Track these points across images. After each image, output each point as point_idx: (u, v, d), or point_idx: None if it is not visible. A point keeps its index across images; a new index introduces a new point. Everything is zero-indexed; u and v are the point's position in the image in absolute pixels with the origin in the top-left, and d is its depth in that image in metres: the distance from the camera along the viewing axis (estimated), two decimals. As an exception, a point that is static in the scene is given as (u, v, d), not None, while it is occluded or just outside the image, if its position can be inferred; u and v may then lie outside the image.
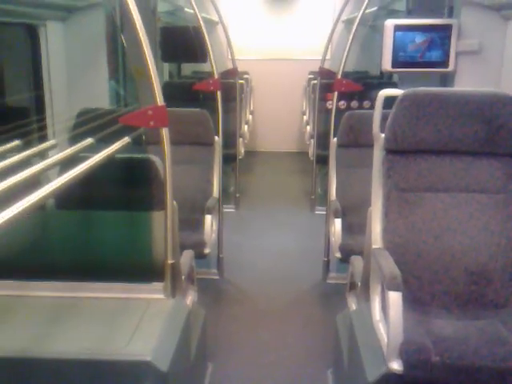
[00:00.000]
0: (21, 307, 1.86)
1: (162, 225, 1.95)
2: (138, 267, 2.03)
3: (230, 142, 4.88)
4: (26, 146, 2.02)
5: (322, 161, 4.64)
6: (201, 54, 4.59)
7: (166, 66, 5.82)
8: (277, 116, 7.84)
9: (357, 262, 2.30)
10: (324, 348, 2.76)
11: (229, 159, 4.90)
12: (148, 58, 1.86)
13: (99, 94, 3.28)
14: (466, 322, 1.77)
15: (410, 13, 4.21)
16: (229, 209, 4.95)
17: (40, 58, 3.07)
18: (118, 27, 3.52)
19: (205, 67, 5.72)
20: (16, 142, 1.95)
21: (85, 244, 2.05)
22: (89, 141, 1.92)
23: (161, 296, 1.98)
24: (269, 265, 3.93)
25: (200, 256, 2.91)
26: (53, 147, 2.04)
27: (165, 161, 1.90)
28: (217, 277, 3.60)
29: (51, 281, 1.95)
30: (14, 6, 2.70)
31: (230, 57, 5.15)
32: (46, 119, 3.12)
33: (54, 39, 3.10)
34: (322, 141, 4.65)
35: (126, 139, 1.94)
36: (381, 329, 1.74)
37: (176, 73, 6.47)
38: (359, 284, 2.16)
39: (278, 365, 2.71)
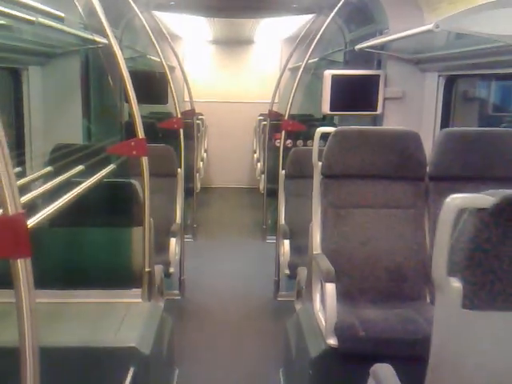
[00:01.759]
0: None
1: (140, 239, 2.34)
2: (120, 276, 2.39)
3: (187, 176, 5.29)
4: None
5: (272, 194, 5.10)
6: (162, 96, 5.06)
7: (126, 107, 6.22)
8: (229, 154, 8.31)
9: (302, 272, 2.74)
10: (275, 352, 3.15)
11: (186, 193, 5.30)
12: (132, 100, 2.27)
13: (74, 131, 3.65)
14: (386, 310, 2.23)
15: (346, 63, 4.84)
16: (187, 238, 5.31)
17: (21, 98, 3.42)
18: (89, 72, 3.93)
19: (158, 108, 6.15)
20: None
21: (74, 257, 2.40)
22: (80, 167, 2.30)
23: (139, 300, 2.35)
24: (225, 286, 4.31)
25: (165, 275, 3.27)
26: (47, 174, 2.40)
27: (144, 184, 2.30)
28: (179, 297, 3.95)
29: (45, 289, 2.27)
30: (2, 52, 3.07)
31: (186, 99, 5.62)
32: (24, 154, 3.45)
33: (35, 81, 3.47)
34: (272, 175, 5.12)
35: (112, 166, 2.33)
36: (320, 315, 2.17)
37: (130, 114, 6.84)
38: (304, 288, 2.59)
39: (235, 368, 3.08)
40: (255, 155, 7.47)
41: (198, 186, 6.17)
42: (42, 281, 2.34)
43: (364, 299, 2.30)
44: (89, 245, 2.43)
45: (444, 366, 1.07)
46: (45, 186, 2.05)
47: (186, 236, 5.24)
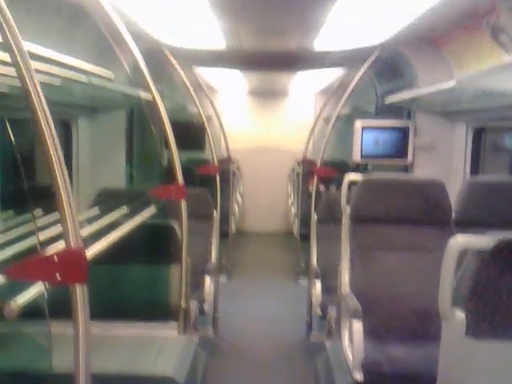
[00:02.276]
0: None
1: (177, 276, 2.50)
2: (158, 310, 2.55)
3: (222, 219, 5.48)
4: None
5: (305, 237, 5.22)
6: (200, 143, 5.34)
7: (166, 154, 6.54)
8: (265, 199, 8.49)
9: (332, 311, 2.83)
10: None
11: (222, 235, 5.47)
12: (173, 147, 2.48)
13: (118, 176, 3.91)
14: (412, 348, 2.29)
15: (377, 114, 5.02)
16: (221, 278, 5.44)
17: (71, 146, 3.71)
18: (133, 122, 4.23)
19: (197, 155, 6.43)
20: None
21: (117, 291, 2.57)
22: (124, 209, 2.50)
23: (175, 333, 2.49)
24: (258, 325, 4.40)
25: (200, 311, 3.40)
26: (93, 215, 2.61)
27: (181, 226, 2.48)
28: (212, 334, 4.05)
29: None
30: (56, 107, 3.38)
31: (223, 146, 5.89)
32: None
33: (83, 132, 3.76)
34: (305, 220, 5.26)
35: (153, 208, 2.53)
36: (348, 351, 2.25)
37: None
38: (334, 326, 2.68)
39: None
40: (290, 200, 7.64)
41: (233, 228, 6.34)
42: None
43: (390, 337, 2.36)
44: (130, 281, 2.60)
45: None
46: (93, 225, 2.25)
47: (220, 276, 5.39)
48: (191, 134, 5.24)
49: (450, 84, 2.50)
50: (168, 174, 5.29)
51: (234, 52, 4.37)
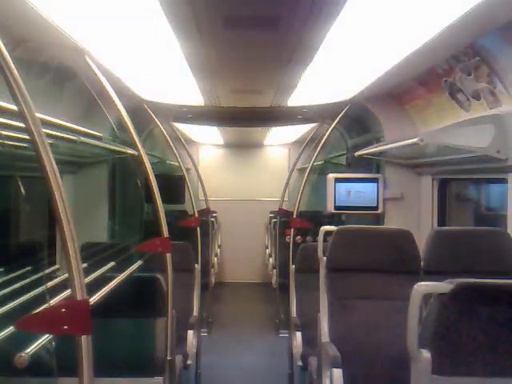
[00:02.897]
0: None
1: (163, 329, 2.58)
2: (143, 364, 2.59)
3: (202, 272, 5.54)
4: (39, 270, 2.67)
5: (284, 288, 5.30)
6: (180, 196, 5.48)
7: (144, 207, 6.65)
8: (242, 250, 8.57)
9: (313, 361, 2.92)
10: None
11: (202, 287, 5.51)
12: (158, 201, 2.61)
13: (100, 230, 4.00)
14: None
15: (348, 166, 5.27)
16: (203, 333, 5.45)
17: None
18: (116, 177, 4.36)
19: (173, 207, 6.54)
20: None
21: (101, 346, 2.61)
22: (111, 264, 2.60)
23: (161, 384, 2.54)
24: (239, 380, 4.41)
25: (184, 366, 3.44)
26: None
27: (167, 278, 2.58)
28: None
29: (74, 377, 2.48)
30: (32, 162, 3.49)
31: (201, 197, 6.04)
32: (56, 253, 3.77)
33: (66, 188, 3.87)
34: (283, 270, 5.36)
35: (139, 262, 2.63)
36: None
37: (151, 212, 7.29)
38: (315, 377, 2.76)
39: None
40: (267, 251, 7.74)
41: (213, 280, 6.39)
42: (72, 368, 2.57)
43: (369, 384, 2.48)
44: (116, 335, 2.66)
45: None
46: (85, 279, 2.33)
47: (201, 330, 5.40)
48: (171, 186, 5.38)
49: (412, 140, 2.73)
50: (148, 228, 5.40)
51: (212, 109, 4.59)
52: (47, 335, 1.53)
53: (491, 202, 3.94)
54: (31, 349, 1.44)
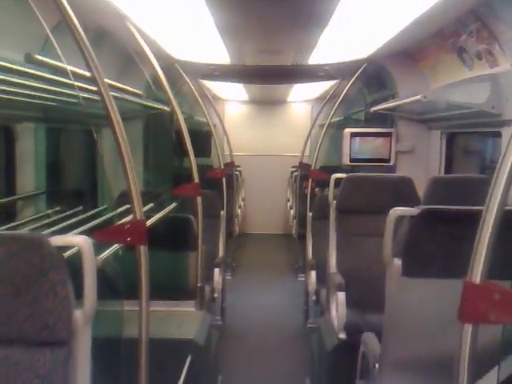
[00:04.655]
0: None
1: (194, 261, 3.02)
2: (178, 290, 3.05)
3: (226, 222, 5.98)
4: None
5: (303, 238, 5.68)
6: (207, 150, 5.87)
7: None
8: (264, 203, 8.97)
9: (323, 293, 3.34)
10: (303, 366, 3.71)
11: (226, 236, 5.97)
12: (190, 152, 2.99)
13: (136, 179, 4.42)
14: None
15: (366, 121, 5.54)
16: (227, 276, 5.95)
17: (95, 154, 4.24)
18: (149, 132, 4.76)
19: (200, 162, 6.89)
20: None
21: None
22: (151, 204, 3.02)
23: (193, 308, 3.00)
24: (261, 315, 4.91)
25: (211, 298, 3.90)
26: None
27: (197, 218, 3.00)
28: (220, 322, 4.55)
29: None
30: (87, 118, 3.90)
31: (225, 153, 6.41)
32: (97, 197, 4.23)
33: (106, 140, 4.29)
34: (303, 221, 5.75)
35: (174, 204, 3.05)
36: (334, 318, 2.77)
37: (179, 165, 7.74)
38: (325, 304, 3.18)
39: (269, 380, 3.64)
40: (288, 203, 8.14)
41: (237, 229, 6.85)
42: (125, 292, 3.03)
43: (368, 307, 2.85)
44: (154, 265, 3.10)
45: (394, 317, 1.68)
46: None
47: (225, 274, 5.90)
48: (198, 141, 5.76)
49: (416, 97, 3.02)
50: (178, 179, 5.82)
51: (237, 67, 4.90)
52: (116, 245, 1.96)
53: (495, 154, 4.20)
54: (104, 254, 1.86)
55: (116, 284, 1.99)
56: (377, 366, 1.85)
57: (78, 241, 1.27)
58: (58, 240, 1.23)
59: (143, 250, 1.76)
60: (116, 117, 1.74)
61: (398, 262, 1.66)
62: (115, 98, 3.29)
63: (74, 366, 1.21)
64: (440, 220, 1.62)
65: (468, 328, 1.09)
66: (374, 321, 2.67)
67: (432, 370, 1.66)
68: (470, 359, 1.12)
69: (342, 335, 2.59)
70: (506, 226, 1.07)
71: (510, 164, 1.06)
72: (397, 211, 1.74)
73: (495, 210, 1.07)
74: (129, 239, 1.74)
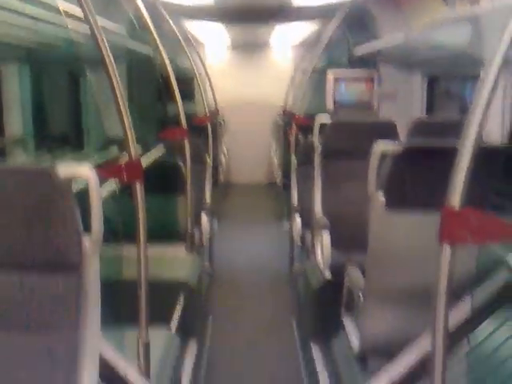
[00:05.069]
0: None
1: (184, 205, 3.09)
2: (169, 234, 3.14)
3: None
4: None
5: (288, 185, 5.76)
6: (189, 96, 5.84)
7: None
8: (248, 152, 8.90)
9: (308, 237, 3.45)
10: (290, 306, 3.89)
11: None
12: (177, 97, 3.00)
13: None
14: None
15: (350, 66, 5.55)
16: (213, 224, 6.05)
17: (79, 96, 4.22)
18: (132, 75, 4.72)
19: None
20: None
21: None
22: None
23: (183, 251, 3.10)
24: (247, 261, 5.06)
25: (200, 243, 4.01)
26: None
27: (185, 163, 3.05)
28: (209, 267, 4.68)
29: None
30: (69, 60, 3.85)
31: (209, 100, 6.36)
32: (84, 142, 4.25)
33: (90, 84, 4.25)
34: (287, 169, 5.81)
35: (162, 147, 3.09)
36: (319, 258, 2.90)
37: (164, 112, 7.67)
38: (310, 248, 3.30)
39: (257, 317, 3.82)
40: (272, 152, 8.18)
41: (222, 178, 6.91)
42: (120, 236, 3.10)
43: (352, 246, 2.97)
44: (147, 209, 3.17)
45: (377, 249, 1.79)
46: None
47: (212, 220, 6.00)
48: (181, 87, 5.72)
49: (398, 38, 3.05)
50: (163, 125, 5.79)
51: (221, 6, 4.82)
52: (113, 184, 2.02)
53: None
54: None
55: (115, 225, 2.06)
56: (361, 297, 1.98)
57: (84, 171, 1.33)
58: (65, 170, 1.29)
59: (139, 187, 1.82)
60: (109, 57, 1.76)
61: (381, 195, 1.76)
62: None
63: (85, 289, 1.29)
64: (421, 155, 1.70)
65: (446, 249, 1.19)
66: (358, 259, 2.80)
67: (413, 298, 1.78)
68: (448, 282, 1.22)
69: (328, 274, 2.72)
70: (480, 162, 1.16)
71: (484, 100, 1.13)
72: (381, 145, 1.83)
73: (472, 140, 1.15)
74: (126, 175, 1.80)
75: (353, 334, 2.07)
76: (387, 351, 1.80)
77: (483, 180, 1.30)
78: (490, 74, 1.11)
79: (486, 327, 1.71)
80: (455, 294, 1.47)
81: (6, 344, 1.25)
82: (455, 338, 1.65)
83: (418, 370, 1.64)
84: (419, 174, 1.70)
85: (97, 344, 1.32)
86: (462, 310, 1.68)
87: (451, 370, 1.57)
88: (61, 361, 1.25)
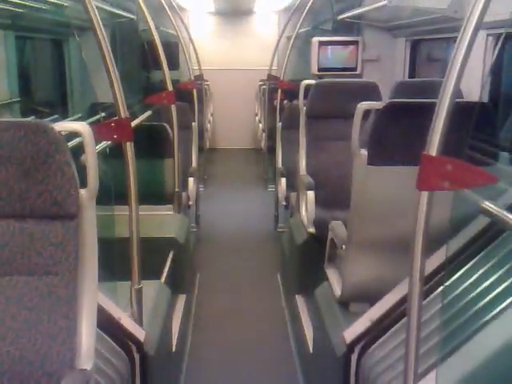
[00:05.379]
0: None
1: (171, 167, 3.15)
2: (157, 196, 3.21)
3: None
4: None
5: (272, 150, 5.86)
6: (174, 63, 5.81)
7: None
8: (233, 117, 9.00)
9: (293, 197, 3.55)
10: (275, 262, 4.01)
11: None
12: (164, 63, 3.02)
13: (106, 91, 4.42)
14: None
15: (334, 31, 5.56)
16: (200, 187, 6.12)
17: (63, 62, 4.20)
18: (116, 42, 4.68)
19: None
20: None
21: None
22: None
23: (171, 212, 3.17)
24: (233, 222, 5.17)
25: (187, 206, 4.09)
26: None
27: (173, 126, 3.10)
28: (195, 229, 4.78)
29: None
30: (52, 26, 3.83)
31: (193, 67, 6.34)
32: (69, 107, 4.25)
33: (73, 51, 4.23)
34: (272, 134, 5.88)
35: (149, 112, 3.13)
36: (304, 215, 3.00)
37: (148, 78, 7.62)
38: (295, 208, 3.39)
39: (243, 274, 3.94)
40: (257, 117, 8.21)
41: (207, 143, 6.95)
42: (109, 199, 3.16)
43: (335, 205, 3.08)
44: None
45: (359, 203, 1.89)
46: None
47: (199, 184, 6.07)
48: (166, 53, 5.68)
49: (382, 2, 3.10)
50: (148, 91, 5.77)
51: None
52: (104, 143, 2.07)
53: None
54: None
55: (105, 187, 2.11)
56: (344, 247, 2.08)
57: (78, 126, 1.38)
58: (60, 126, 1.34)
59: (129, 146, 1.88)
60: (98, 21, 1.78)
61: (364, 152, 1.84)
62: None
63: (83, 236, 1.36)
64: (403, 112, 1.78)
65: (424, 195, 1.28)
66: (341, 216, 2.90)
67: (393, 248, 1.89)
68: (425, 229, 1.31)
69: (312, 229, 2.82)
70: (456, 116, 1.24)
71: (460, 58, 1.20)
72: (363, 105, 1.91)
73: (449, 94, 1.22)
74: (115, 136, 1.85)
75: (335, 283, 2.19)
76: (368, 297, 1.91)
77: (458, 133, 1.38)
78: (464, 35, 1.18)
79: (461, 271, 1.83)
80: (434, 242, 1.56)
81: (9, 287, 1.33)
82: (433, 281, 1.76)
83: (397, 312, 1.75)
84: (400, 131, 1.78)
85: (94, 289, 1.39)
86: (440, 256, 1.79)
87: (426, 312, 1.70)
88: (61, 302, 1.33)
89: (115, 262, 2.15)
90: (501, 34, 2.61)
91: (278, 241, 4.54)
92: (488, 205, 1.51)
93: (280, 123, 4.67)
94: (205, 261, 4.13)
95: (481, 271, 1.69)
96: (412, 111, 1.75)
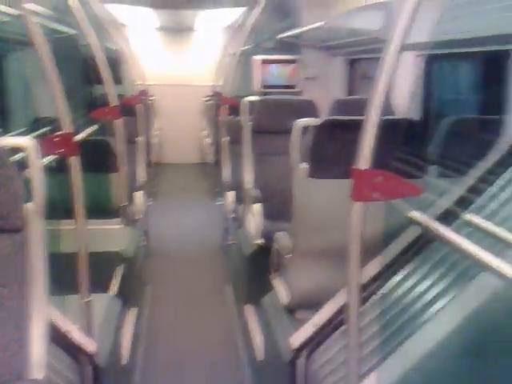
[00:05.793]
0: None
1: (116, 182, 3.17)
2: (104, 210, 3.20)
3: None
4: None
5: (220, 163, 5.92)
6: (116, 77, 5.80)
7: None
8: (180, 133, 8.95)
9: (241, 209, 3.63)
10: (224, 274, 4.08)
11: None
12: (107, 76, 3.05)
13: (48, 106, 4.37)
14: None
15: (275, 50, 5.74)
16: (148, 202, 6.09)
17: (3, 77, 4.14)
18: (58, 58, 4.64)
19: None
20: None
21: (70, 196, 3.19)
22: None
23: (119, 226, 3.18)
24: (183, 235, 5.21)
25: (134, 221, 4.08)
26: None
27: (118, 140, 3.12)
28: (145, 242, 4.76)
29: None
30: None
31: (138, 82, 6.36)
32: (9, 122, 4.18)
33: (15, 65, 4.17)
34: (219, 148, 5.97)
35: (95, 126, 3.14)
36: (251, 227, 3.09)
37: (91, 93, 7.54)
38: (243, 220, 3.48)
39: (193, 287, 4.00)
40: (204, 132, 8.28)
41: (154, 157, 6.95)
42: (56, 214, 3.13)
43: (283, 216, 3.17)
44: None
45: (301, 215, 2.01)
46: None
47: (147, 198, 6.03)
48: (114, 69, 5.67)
49: (319, 24, 3.28)
50: (91, 106, 5.71)
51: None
52: (51, 157, 2.08)
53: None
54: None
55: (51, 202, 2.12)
56: (288, 256, 2.18)
57: (23, 141, 1.41)
58: (4, 141, 1.37)
59: (74, 160, 1.90)
60: (41, 36, 1.81)
61: (304, 165, 1.96)
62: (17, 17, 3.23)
63: (30, 249, 1.39)
64: (339, 128, 1.92)
65: (358, 206, 1.39)
66: (287, 227, 3.02)
67: (333, 256, 1.99)
68: (360, 238, 1.40)
69: (259, 241, 2.92)
70: (383, 132, 1.36)
71: (383, 79, 1.33)
72: (300, 122, 2.05)
73: (375, 111, 1.35)
74: (60, 151, 1.87)
75: (281, 292, 2.28)
76: (312, 304, 2.02)
77: (386, 147, 1.51)
78: (387, 55, 1.31)
79: (396, 279, 1.96)
80: (369, 251, 1.67)
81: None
82: (369, 289, 1.89)
83: (339, 318, 1.87)
84: (337, 146, 1.91)
85: (44, 300, 1.41)
86: (376, 265, 1.92)
87: (365, 317, 1.81)
88: (12, 313, 1.35)
89: (64, 275, 2.16)
90: (429, 55, 2.83)
91: (227, 253, 4.60)
92: (415, 214, 1.64)
93: (228, 138, 4.78)
94: (155, 274, 4.14)
95: (414, 278, 1.82)
96: (347, 127, 1.88)
